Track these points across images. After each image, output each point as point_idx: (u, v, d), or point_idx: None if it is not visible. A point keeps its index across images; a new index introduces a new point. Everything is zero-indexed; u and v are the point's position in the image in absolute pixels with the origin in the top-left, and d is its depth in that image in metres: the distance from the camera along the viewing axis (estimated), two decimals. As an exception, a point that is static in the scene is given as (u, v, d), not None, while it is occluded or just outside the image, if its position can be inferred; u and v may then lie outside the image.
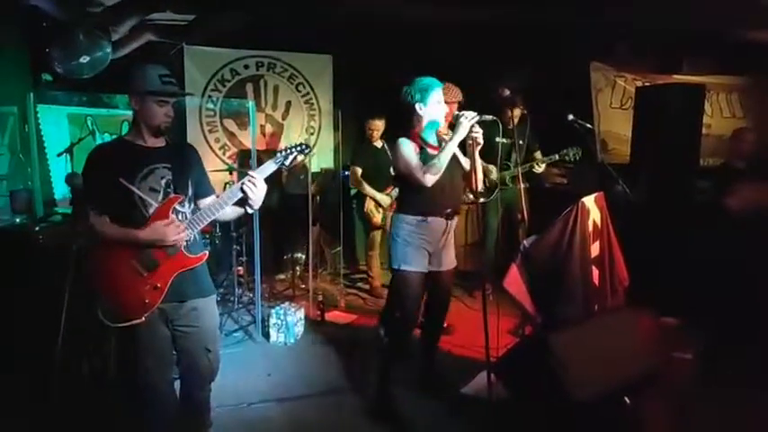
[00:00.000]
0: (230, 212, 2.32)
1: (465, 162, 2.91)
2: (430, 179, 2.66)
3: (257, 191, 2.21)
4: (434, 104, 2.75)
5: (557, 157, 4.45)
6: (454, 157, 2.78)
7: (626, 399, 2.50)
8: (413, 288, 2.79)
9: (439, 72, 2.83)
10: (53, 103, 4.69)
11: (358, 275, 5.58)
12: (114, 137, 4.75)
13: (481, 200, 4.58)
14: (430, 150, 2.80)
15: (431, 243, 2.80)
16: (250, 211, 2.29)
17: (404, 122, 2.87)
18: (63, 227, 3.63)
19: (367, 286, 5.12)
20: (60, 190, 4.57)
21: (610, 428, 2.50)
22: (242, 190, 2.20)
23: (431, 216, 2.77)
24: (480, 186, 3.03)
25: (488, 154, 3.98)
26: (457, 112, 2.70)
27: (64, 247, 3.08)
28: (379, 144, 4.83)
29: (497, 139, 3.02)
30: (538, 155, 4.76)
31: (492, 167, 4.55)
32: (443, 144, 2.75)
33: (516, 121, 4.61)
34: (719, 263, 3.63)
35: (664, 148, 4.10)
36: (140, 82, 2.13)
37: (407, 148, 2.74)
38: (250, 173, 2.22)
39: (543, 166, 4.59)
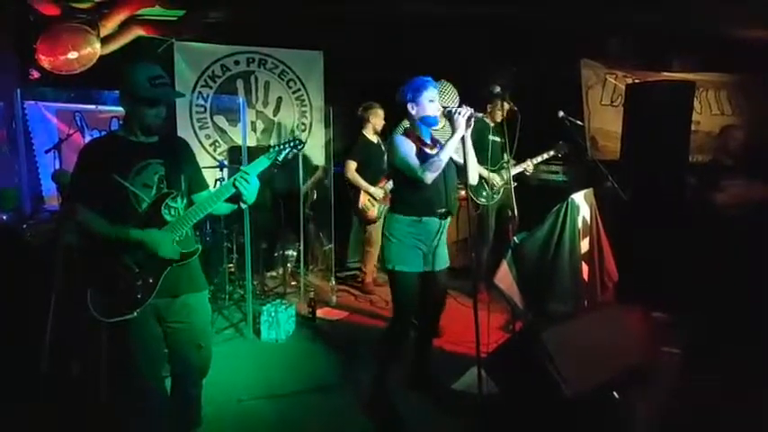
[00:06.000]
0: (224, 207, 2.32)
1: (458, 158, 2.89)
2: (429, 176, 2.61)
3: (250, 187, 2.20)
4: (427, 104, 2.71)
5: (546, 155, 4.45)
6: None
7: (615, 394, 2.52)
8: (408, 288, 2.79)
9: (430, 68, 2.82)
10: (41, 100, 4.64)
11: (349, 273, 5.58)
12: (103, 133, 4.72)
13: (491, 202, 4.59)
14: (426, 149, 2.77)
15: (425, 243, 2.78)
16: (243, 206, 2.29)
17: (400, 121, 2.85)
18: (51, 224, 3.59)
19: (358, 283, 5.12)
20: (48, 187, 4.53)
21: (599, 423, 2.52)
22: (234, 186, 2.19)
23: (425, 216, 2.74)
24: (475, 179, 3.00)
25: (480, 152, 3.98)
26: (449, 108, 2.65)
27: (52, 244, 3.05)
28: (374, 139, 4.83)
29: (490, 137, 2.98)
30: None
31: (496, 176, 4.53)
32: (444, 142, 2.69)
33: (503, 117, 4.60)
34: (708, 258, 3.67)
35: (653, 144, 4.13)
36: (130, 83, 2.09)
37: (404, 145, 2.71)
38: (242, 168, 2.21)
39: (533, 165, 4.60)
